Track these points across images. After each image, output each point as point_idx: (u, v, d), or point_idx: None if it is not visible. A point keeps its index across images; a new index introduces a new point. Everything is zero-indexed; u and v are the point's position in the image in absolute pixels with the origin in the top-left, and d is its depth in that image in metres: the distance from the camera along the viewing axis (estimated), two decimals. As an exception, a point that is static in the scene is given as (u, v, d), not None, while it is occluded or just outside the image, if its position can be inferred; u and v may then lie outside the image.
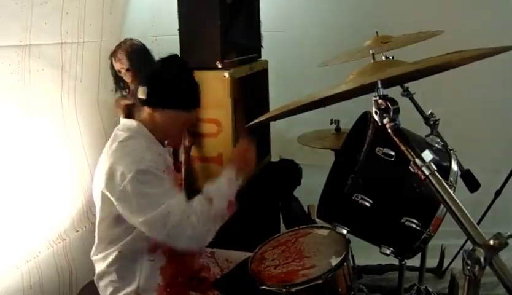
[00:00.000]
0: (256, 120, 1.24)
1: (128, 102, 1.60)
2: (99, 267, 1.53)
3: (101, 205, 1.48)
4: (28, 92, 1.88)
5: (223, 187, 1.48)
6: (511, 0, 2.55)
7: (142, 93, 1.48)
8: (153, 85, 1.49)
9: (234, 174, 1.50)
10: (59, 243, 2.13)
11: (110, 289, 1.51)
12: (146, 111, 1.51)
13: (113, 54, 2.24)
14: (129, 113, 1.55)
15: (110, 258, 1.49)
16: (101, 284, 1.54)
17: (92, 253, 1.56)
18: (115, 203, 1.41)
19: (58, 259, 2.11)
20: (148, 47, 2.31)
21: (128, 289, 1.48)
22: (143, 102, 1.49)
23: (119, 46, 2.25)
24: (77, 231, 2.22)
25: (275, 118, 1.36)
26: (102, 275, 1.53)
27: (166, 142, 1.63)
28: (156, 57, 2.31)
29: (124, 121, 1.53)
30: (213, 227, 1.43)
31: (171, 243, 1.41)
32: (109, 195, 1.42)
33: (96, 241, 1.55)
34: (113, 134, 1.50)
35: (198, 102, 1.58)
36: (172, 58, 1.55)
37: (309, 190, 2.12)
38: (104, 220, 1.50)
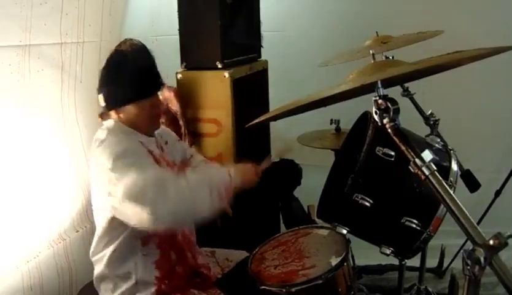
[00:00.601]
0: (256, 120, 1.24)
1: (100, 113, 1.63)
2: (97, 268, 1.54)
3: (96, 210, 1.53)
4: (28, 92, 1.88)
5: (222, 175, 1.44)
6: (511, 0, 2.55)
7: (100, 100, 1.53)
8: (104, 90, 1.52)
9: (235, 175, 1.46)
10: (60, 243, 2.13)
11: (109, 288, 1.51)
12: (113, 114, 1.54)
13: (113, 54, 2.24)
14: (105, 116, 1.58)
15: (106, 258, 1.50)
16: (100, 285, 1.54)
17: (90, 254, 1.57)
18: (109, 189, 1.37)
19: (58, 259, 2.11)
20: (148, 47, 2.30)
21: (126, 286, 1.49)
22: (106, 109, 1.53)
23: (119, 46, 2.24)
24: (77, 231, 2.22)
25: (276, 118, 1.36)
26: (101, 275, 1.53)
27: (157, 132, 1.64)
28: (156, 57, 2.32)
29: (105, 122, 1.56)
30: (195, 205, 1.34)
31: (152, 217, 1.28)
32: (101, 194, 1.44)
33: (93, 242, 1.55)
34: (95, 137, 1.52)
35: (154, 88, 1.57)
36: (112, 55, 1.55)
37: (309, 190, 2.12)
38: (96, 221, 1.52)
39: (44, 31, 1.90)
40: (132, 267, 1.49)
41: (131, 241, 1.48)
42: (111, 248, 1.49)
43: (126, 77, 1.51)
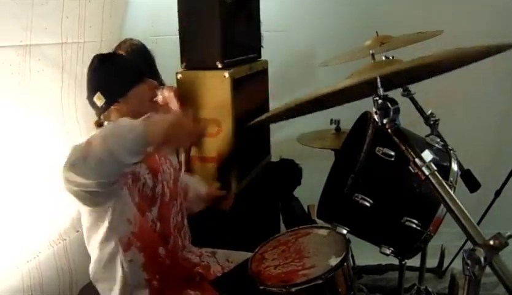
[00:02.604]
0: (257, 119, 1.24)
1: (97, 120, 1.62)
2: (91, 270, 1.55)
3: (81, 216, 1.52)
4: (28, 92, 1.88)
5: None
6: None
7: (99, 99, 1.51)
8: (99, 87, 1.51)
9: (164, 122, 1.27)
10: (59, 243, 2.13)
11: (105, 288, 1.53)
12: (112, 111, 1.52)
13: (113, 54, 2.24)
14: (100, 124, 1.57)
15: (96, 264, 1.52)
16: (97, 285, 1.56)
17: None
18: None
19: (58, 259, 2.11)
20: (148, 47, 2.31)
21: (119, 288, 1.49)
22: (107, 105, 1.51)
23: (119, 46, 2.25)
24: (77, 231, 2.22)
25: (276, 119, 1.36)
26: (94, 278, 1.56)
27: None
28: (156, 57, 2.32)
29: (105, 124, 1.55)
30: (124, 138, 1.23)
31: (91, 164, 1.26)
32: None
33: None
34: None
35: (142, 71, 1.58)
36: (94, 58, 1.57)
37: (309, 190, 2.12)
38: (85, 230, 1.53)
39: (45, 30, 1.90)
40: (121, 273, 1.49)
41: (112, 249, 1.47)
42: (96, 257, 1.51)
43: (120, 65, 1.55)
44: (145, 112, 1.44)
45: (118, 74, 1.53)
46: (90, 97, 1.54)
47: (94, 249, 1.51)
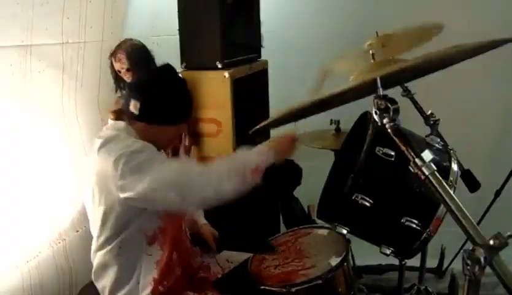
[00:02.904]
0: (258, 126, 1.24)
1: (119, 107, 1.58)
2: (98, 265, 1.53)
3: (92, 206, 1.49)
4: (29, 92, 1.88)
5: (253, 151, 1.40)
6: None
7: (134, 107, 1.46)
8: (145, 101, 1.47)
9: (268, 150, 1.40)
10: (59, 243, 2.13)
11: (109, 287, 1.51)
12: (137, 123, 1.50)
13: (113, 54, 2.24)
14: (120, 117, 1.54)
15: (110, 255, 1.48)
16: (100, 283, 1.54)
17: (92, 251, 1.56)
18: (120, 195, 1.36)
19: (58, 259, 2.11)
20: (148, 47, 2.31)
21: (127, 288, 1.48)
22: (135, 117, 1.48)
23: (119, 46, 2.25)
24: (77, 231, 2.23)
25: (277, 125, 1.36)
26: (101, 272, 1.52)
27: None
28: (156, 57, 2.32)
29: (112, 122, 1.52)
30: (229, 177, 1.31)
31: (184, 201, 1.31)
32: (108, 192, 1.40)
33: (94, 239, 1.54)
34: (100, 135, 1.48)
35: (190, 114, 1.57)
36: (165, 69, 1.53)
37: (309, 190, 2.12)
38: (97, 220, 1.48)
39: (45, 31, 1.90)
40: (137, 267, 1.48)
41: (137, 240, 1.46)
42: (114, 245, 1.47)
43: (177, 98, 1.50)
44: (160, 145, 1.50)
45: (166, 106, 1.48)
46: (130, 95, 1.49)
47: (116, 240, 1.47)
